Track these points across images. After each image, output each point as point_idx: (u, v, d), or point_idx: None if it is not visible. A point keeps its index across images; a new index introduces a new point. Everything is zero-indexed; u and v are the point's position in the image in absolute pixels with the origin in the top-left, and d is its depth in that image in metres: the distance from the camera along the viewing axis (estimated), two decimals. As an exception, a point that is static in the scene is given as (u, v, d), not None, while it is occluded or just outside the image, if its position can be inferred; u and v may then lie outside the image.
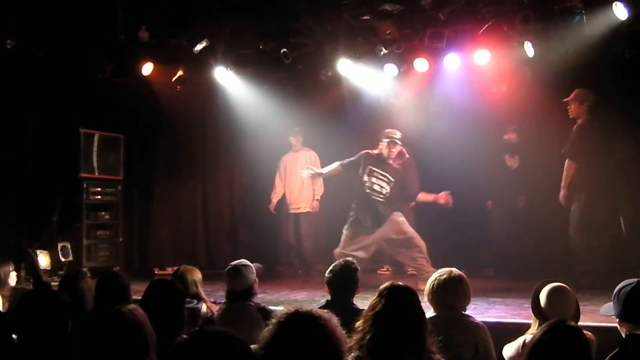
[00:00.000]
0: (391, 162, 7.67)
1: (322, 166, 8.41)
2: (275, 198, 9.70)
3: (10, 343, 3.25)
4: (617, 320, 3.16)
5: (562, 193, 7.49)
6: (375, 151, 7.72)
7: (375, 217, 7.62)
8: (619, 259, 7.44)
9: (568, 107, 7.52)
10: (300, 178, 9.06)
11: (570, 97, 7.49)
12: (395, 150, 7.66)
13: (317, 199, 9.49)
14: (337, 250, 7.48)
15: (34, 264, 6.47)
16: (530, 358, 2.61)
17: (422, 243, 7.55)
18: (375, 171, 7.65)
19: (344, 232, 7.66)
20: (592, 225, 7.40)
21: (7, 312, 4.28)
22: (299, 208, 9.61)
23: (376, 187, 7.64)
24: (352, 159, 7.79)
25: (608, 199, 7.53)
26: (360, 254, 7.25)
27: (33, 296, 3.23)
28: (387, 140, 7.64)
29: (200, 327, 4.53)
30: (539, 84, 7.98)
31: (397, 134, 7.68)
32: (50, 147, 9.14)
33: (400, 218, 7.65)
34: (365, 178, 7.65)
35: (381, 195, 7.63)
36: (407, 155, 7.92)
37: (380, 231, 7.61)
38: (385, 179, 7.65)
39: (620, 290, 3.14)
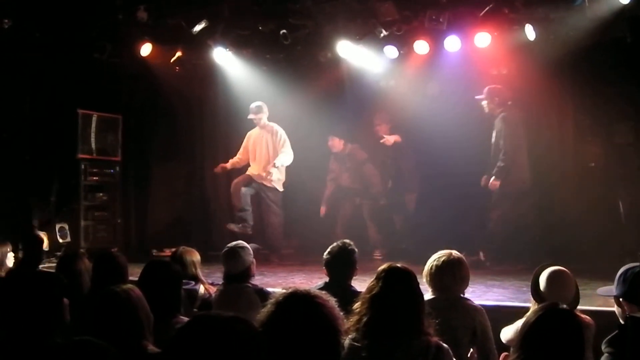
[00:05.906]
0: None
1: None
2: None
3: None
4: (618, 301, 3.15)
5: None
6: None
7: None
8: (617, 243, 7.44)
9: (483, 104, 8.00)
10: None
11: (483, 95, 7.96)
12: None
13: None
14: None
15: None
16: (523, 341, 2.61)
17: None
18: None
19: None
20: None
21: None
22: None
23: None
24: None
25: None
26: None
27: (26, 276, 3.18)
28: None
29: (201, 311, 4.47)
30: (540, 67, 7.93)
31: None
32: (47, 128, 9.09)
33: None
34: None
35: None
36: None
37: None
38: None
39: (627, 270, 3.16)
